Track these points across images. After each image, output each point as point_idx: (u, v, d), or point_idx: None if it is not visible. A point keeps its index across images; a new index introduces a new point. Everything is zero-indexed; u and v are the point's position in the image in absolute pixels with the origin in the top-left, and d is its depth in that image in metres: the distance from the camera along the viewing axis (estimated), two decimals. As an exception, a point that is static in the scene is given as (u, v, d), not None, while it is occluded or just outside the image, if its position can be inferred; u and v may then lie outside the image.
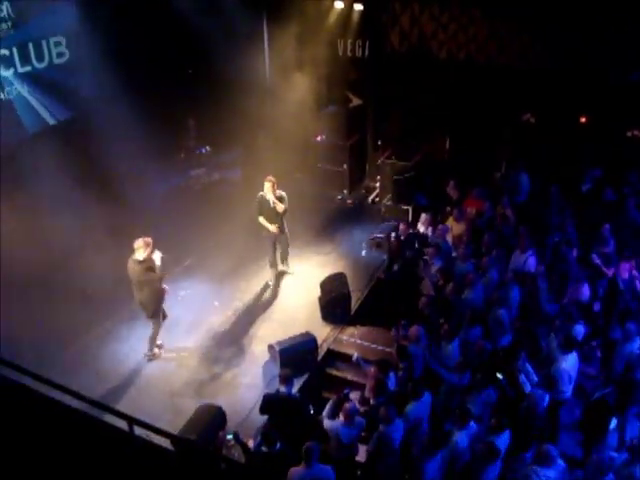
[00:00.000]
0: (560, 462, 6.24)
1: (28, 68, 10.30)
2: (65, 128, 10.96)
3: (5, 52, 9.96)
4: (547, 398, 7.15)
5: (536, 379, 7.48)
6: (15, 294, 9.01)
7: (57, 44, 10.61)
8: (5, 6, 9.57)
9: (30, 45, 10.25)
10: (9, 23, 9.77)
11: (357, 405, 7.29)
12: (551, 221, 10.40)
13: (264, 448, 6.56)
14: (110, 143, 10.83)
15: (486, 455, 6.20)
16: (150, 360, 9.15)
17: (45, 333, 8.80)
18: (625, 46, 10.73)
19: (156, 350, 9.25)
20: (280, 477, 6.25)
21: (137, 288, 8.87)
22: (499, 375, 7.43)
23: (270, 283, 10.97)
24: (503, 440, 6.51)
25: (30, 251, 9.01)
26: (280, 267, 11.19)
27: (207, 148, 13.73)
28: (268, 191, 10.26)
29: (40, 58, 10.45)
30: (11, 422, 4.33)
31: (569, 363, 7.50)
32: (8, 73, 10.08)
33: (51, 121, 10.93)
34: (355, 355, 8.58)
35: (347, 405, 6.97)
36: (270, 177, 10.35)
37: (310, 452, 6.19)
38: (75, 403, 4.56)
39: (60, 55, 10.71)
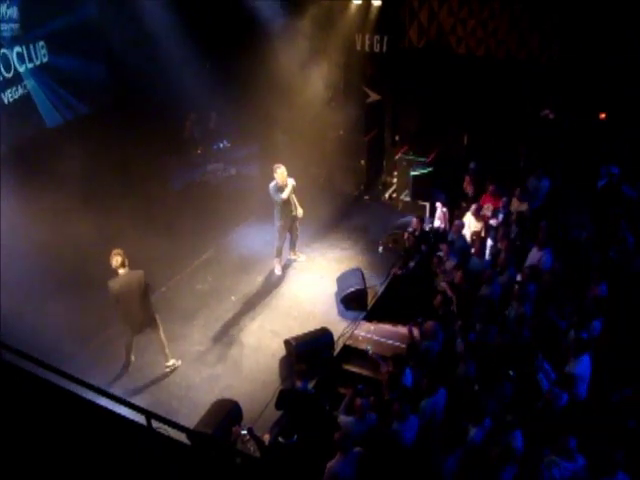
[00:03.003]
0: (580, 458, 6.19)
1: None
2: (84, 123, 11.06)
3: (19, 49, 10.09)
4: (565, 397, 7.10)
5: (554, 376, 7.44)
6: (39, 290, 9.13)
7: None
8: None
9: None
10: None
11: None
12: (570, 218, 10.32)
13: (281, 439, 6.57)
14: (128, 138, 10.92)
15: (503, 457, 6.16)
16: (172, 371, 8.88)
17: (65, 328, 8.86)
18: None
19: (173, 360, 8.96)
20: (295, 470, 6.26)
21: (137, 303, 8.41)
22: (510, 372, 7.40)
23: (278, 273, 11.02)
24: (518, 439, 6.48)
25: (51, 247, 9.13)
26: (289, 256, 11.30)
27: (224, 143, 13.78)
28: (280, 179, 10.34)
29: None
30: (30, 415, 4.39)
31: (584, 364, 7.45)
32: (26, 68, 10.20)
33: (70, 116, 11.03)
34: (370, 350, 8.57)
35: (358, 400, 6.98)
36: (277, 165, 10.40)
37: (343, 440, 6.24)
38: (94, 397, 4.61)
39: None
